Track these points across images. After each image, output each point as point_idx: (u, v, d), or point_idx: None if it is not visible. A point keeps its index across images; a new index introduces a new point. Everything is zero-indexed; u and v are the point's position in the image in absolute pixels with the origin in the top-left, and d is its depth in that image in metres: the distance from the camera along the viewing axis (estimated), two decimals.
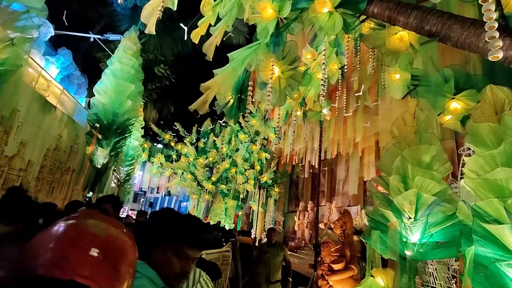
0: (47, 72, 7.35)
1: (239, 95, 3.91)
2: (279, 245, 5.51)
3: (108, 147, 7.01)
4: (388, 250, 2.48)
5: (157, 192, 25.46)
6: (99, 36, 8.54)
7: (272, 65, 3.36)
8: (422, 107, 2.91)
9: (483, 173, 1.94)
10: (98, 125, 6.95)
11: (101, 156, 6.86)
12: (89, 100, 7.54)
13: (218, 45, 3.85)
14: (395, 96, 4.69)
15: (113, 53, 7.72)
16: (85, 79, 9.55)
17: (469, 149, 3.86)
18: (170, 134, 15.86)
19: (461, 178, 3.70)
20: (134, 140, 10.09)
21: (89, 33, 8.68)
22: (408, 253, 2.46)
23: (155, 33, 3.42)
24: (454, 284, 3.25)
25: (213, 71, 3.39)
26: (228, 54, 3.35)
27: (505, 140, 1.91)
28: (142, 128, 11.49)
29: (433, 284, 3.32)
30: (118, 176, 9.70)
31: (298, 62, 3.49)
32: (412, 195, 2.43)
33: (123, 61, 7.33)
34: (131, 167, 10.11)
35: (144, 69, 8.21)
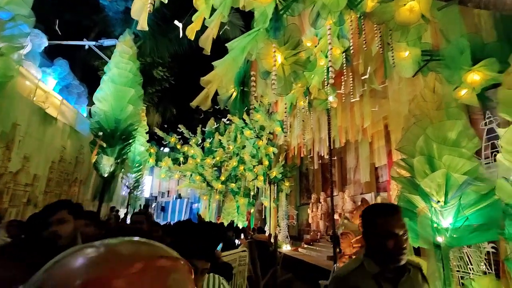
0: (44, 84, 7.24)
1: (241, 88, 3.73)
2: None
3: (113, 155, 6.89)
4: (420, 238, 2.28)
5: (168, 196, 25.53)
6: (93, 43, 8.40)
7: (274, 52, 3.16)
8: (441, 81, 2.68)
9: None
10: (101, 133, 6.84)
11: (107, 165, 6.75)
12: (90, 109, 7.43)
13: (214, 38, 3.65)
14: (405, 74, 4.45)
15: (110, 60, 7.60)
16: (85, 88, 9.45)
17: (492, 122, 3.62)
18: (175, 137, 15.75)
19: (486, 154, 3.47)
20: (140, 146, 10.00)
21: (84, 41, 8.54)
22: (440, 239, 2.26)
23: (147, 29, 3.23)
24: (485, 267, 3.03)
25: (213, 63, 3.20)
26: (226, 44, 3.16)
27: None
28: (146, 133, 11.40)
29: (464, 268, 3.11)
30: (127, 183, 9.62)
31: (301, 46, 3.28)
32: (441, 176, 2.22)
33: (121, 66, 7.18)
34: (139, 173, 10.02)
35: (142, 73, 8.06)
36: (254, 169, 13.34)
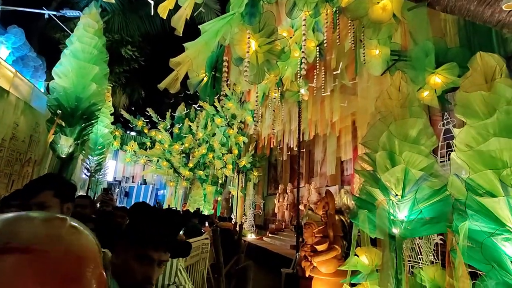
0: None
1: (213, 73, 3.63)
2: None
3: (72, 135, 6.45)
4: (377, 230, 2.38)
5: (133, 181, 24.70)
6: (54, 13, 7.70)
7: (249, 38, 3.09)
8: (406, 80, 2.78)
9: (476, 145, 1.84)
10: (60, 111, 6.36)
11: (65, 145, 6.31)
12: (48, 84, 6.86)
13: (188, 19, 3.50)
14: (374, 72, 4.58)
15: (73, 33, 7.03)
16: (43, 61, 8.69)
17: (449, 123, 3.85)
18: (143, 121, 15.17)
19: (442, 153, 3.69)
20: (103, 128, 9.47)
21: (44, 10, 7.81)
22: (395, 231, 2.38)
23: (114, 1, 3.00)
24: (433, 257, 3.25)
25: (184, 44, 3.06)
26: (199, 26, 3.03)
27: (498, 109, 1.81)
28: (111, 114, 10.81)
29: (414, 258, 3.32)
30: (87, 166, 9.12)
31: (276, 34, 3.23)
32: (400, 171, 2.32)
33: (84, 41, 6.67)
34: (102, 156, 9.52)
35: (109, 51, 7.56)
36: (224, 158, 13.27)
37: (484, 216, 1.70)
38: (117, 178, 20.83)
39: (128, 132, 16.77)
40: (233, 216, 13.45)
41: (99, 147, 9.25)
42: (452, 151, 3.80)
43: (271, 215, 14.45)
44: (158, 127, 14.99)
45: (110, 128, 9.97)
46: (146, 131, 15.21)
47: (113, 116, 10.35)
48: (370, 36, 3.32)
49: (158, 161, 14.87)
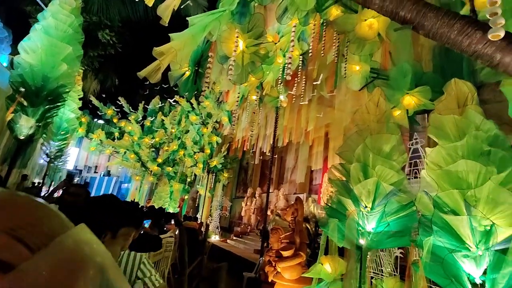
0: None
1: (196, 68, 3.54)
2: None
3: (35, 116, 6.00)
4: (345, 239, 2.43)
5: (95, 172, 23.51)
6: None
7: (237, 37, 3.07)
8: (385, 97, 2.89)
9: (445, 165, 1.94)
10: (23, 89, 5.89)
11: (25, 126, 5.85)
12: (13, 59, 6.34)
13: (175, 9, 3.40)
14: (353, 87, 4.73)
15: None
16: (9, 33, 8.04)
17: (417, 143, 4.05)
18: (113, 109, 14.51)
19: (409, 170, 3.87)
20: (70, 112, 8.91)
21: None
22: (362, 241, 2.45)
23: None
24: (392, 270, 3.38)
25: (170, 35, 2.96)
26: (188, 18, 2.95)
27: (467, 133, 1.92)
28: (80, 99, 10.23)
29: (375, 270, 3.43)
30: (47, 151, 8.52)
31: (264, 37, 3.24)
32: (372, 183, 2.39)
33: (59, 18, 6.26)
34: (64, 142, 8.94)
35: (85, 32, 7.15)
36: (195, 156, 13.03)
37: (447, 233, 1.79)
38: (79, 167, 19.73)
39: (96, 119, 15.97)
40: (198, 216, 13.21)
41: (62, 132, 8.70)
42: (417, 170, 4.00)
43: (237, 218, 14.36)
44: (129, 118, 14.43)
45: (76, 114, 9.40)
46: (115, 120, 14.56)
47: (81, 101, 9.78)
48: (354, 51, 3.42)
49: (125, 153, 14.27)
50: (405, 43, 3.06)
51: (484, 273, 1.69)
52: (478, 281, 1.70)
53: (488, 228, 1.70)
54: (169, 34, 2.95)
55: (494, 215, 1.71)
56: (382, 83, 4.18)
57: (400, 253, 3.32)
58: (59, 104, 6.44)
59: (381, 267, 3.39)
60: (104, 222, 1.14)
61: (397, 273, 3.15)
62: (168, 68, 3.66)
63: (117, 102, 14.51)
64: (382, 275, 3.09)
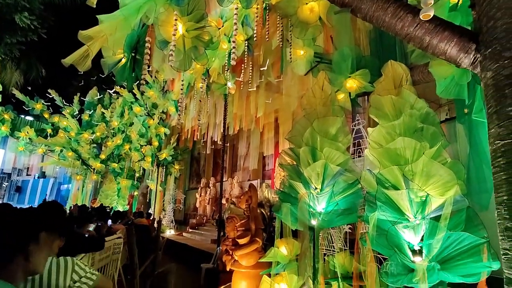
0: None
1: (133, 54, 3.24)
2: None
3: None
4: (298, 222, 2.48)
5: (27, 174, 21.12)
6: None
7: (176, 20, 2.85)
8: (329, 81, 2.96)
9: (385, 143, 2.05)
10: None
11: None
12: None
13: None
14: (298, 72, 4.80)
15: None
16: None
17: (359, 124, 4.28)
18: (42, 103, 12.97)
19: (354, 150, 4.09)
20: None
21: None
22: (314, 222, 2.52)
23: None
24: (343, 245, 3.56)
25: (97, 16, 2.63)
26: None
27: (403, 112, 2.05)
28: None
29: (327, 247, 3.59)
30: None
31: (205, 21, 3.06)
32: (320, 166, 2.45)
33: None
34: None
35: None
36: (142, 149, 12.34)
37: (390, 207, 1.91)
38: (6, 170, 17.51)
39: (22, 116, 14.16)
40: (151, 211, 12.66)
41: None
42: (360, 149, 4.25)
43: (192, 210, 14.10)
44: (63, 112, 13.05)
45: None
46: (46, 116, 13.06)
47: (0, 96, 8.54)
48: (298, 35, 3.44)
49: (61, 151, 12.96)
50: (345, 27, 3.14)
51: (422, 240, 1.84)
52: (416, 247, 1.85)
53: (424, 198, 1.84)
54: (97, 16, 2.62)
55: (428, 187, 1.85)
56: (325, 67, 4.30)
57: (349, 228, 3.52)
58: None
59: (333, 243, 3.56)
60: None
61: (347, 247, 3.33)
62: (102, 55, 3.30)
63: (47, 95, 13.00)
64: (334, 251, 3.25)
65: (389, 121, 2.09)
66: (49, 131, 13.07)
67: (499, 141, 1.42)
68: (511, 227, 1.31)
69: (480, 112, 2.21)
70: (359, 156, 3.73)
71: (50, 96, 13.01)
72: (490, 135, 1.51)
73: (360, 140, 4.19)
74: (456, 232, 1.73)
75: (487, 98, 1.55)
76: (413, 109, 2.01)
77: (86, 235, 3.72)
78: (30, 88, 13.47)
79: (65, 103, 13.26)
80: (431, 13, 1.64)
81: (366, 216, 2.02)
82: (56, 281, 1.43)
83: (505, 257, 1.36)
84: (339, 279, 2.57)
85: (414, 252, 1.85)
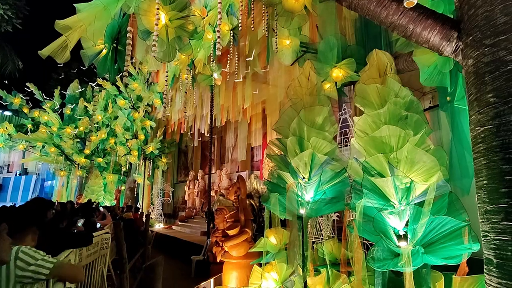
0: None
1: (114, 45, 3.14)
2: None
3: None
4: (287, 211, 2.50)
5: (8, 171, 20.45)
6: None
7: (158, 9, 2.77)
8: (315, 71, 2.96)
9: (371, 132, 2.08)
10: None
11: None
12: None
13: None
14: (285, 61, 4.77)
15: None
16: None
17: (345, 113, 4.31)
18: (21, 98, 12.50)
19: (340, 139, 4.13)
20: None
21: None
22: (302, 211, 2.55)
23: None
24: (331, 232, 3.63)
25: (75, 5, 2.52)
26: None
27: (388, 100, 2.07)
28: None
29: (315, 235, 3.65)
30: None
31: (189, 10, 2.98)
32: (308, 155, 2.47)
33: None
34: None
35: None
36: (128, 143, 12.12)
37: (376, 194, 1.94)
38: None
39: (0, 111, 13.64)
40: (139, 205, 12.54)
41: None
42: (347, 138, 4.30)
43: (181, 203, 14.04)
44: (44, 106, 12.62)
45: None
46: (26, 110, 12.62)
47: None
48: (283, 25, 3.40)
49: (43, 147, 12.58)
50: (330, 16, 3.13)
51: (407, 225, 1.89)
52: (402, 233, 1.90)
53: (408, 185, 1.89)
54: (75, 5, 2.51)
55: (412, 173, 1.89)
56: (311, 56, 4.29)
57: (337, 216, 3.58)
58: None
59: (321, 231, 3.62)
60: None
61: (335, 234, 3.40)
62: (82, 46, 3.18)
63: (26, 89, 12.52)
64: (322, 239, 3.31)
65: (374, 109, 2.11)
66: (30, 126, 12.65)
67: (479, 127, 1.46)
68: (490, 210, 1.36)
69: (462, 99, 2.26)
70: (346, 145, 3.78)
71: (29, 90, 12.54)
72: (470, 121, 1.54)
73: (347, 129, 4.24)
74: (439, 217, 1.78)
75: (468, 86, 1.58)
76: (398, 98, 2.03)
77: (75, 231, 3.66)
78: (7, 82, 12.94)
79: (45, 97, 12.82)
80: (415, 1, 1.65)
81: (353, 204, 2.06)
82: (6, 270, 1.45)
83: (484, 239, 1.41)
84: (328, 266, 2.63)
85: (399, 237, 1.90)
